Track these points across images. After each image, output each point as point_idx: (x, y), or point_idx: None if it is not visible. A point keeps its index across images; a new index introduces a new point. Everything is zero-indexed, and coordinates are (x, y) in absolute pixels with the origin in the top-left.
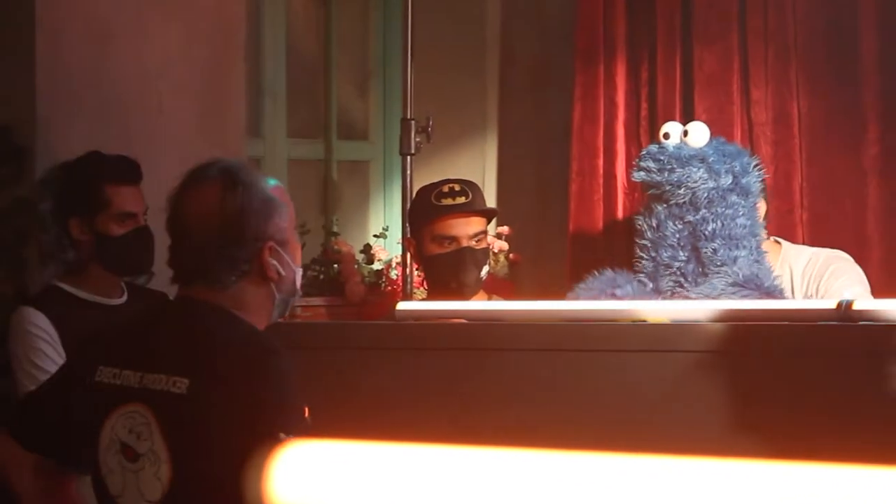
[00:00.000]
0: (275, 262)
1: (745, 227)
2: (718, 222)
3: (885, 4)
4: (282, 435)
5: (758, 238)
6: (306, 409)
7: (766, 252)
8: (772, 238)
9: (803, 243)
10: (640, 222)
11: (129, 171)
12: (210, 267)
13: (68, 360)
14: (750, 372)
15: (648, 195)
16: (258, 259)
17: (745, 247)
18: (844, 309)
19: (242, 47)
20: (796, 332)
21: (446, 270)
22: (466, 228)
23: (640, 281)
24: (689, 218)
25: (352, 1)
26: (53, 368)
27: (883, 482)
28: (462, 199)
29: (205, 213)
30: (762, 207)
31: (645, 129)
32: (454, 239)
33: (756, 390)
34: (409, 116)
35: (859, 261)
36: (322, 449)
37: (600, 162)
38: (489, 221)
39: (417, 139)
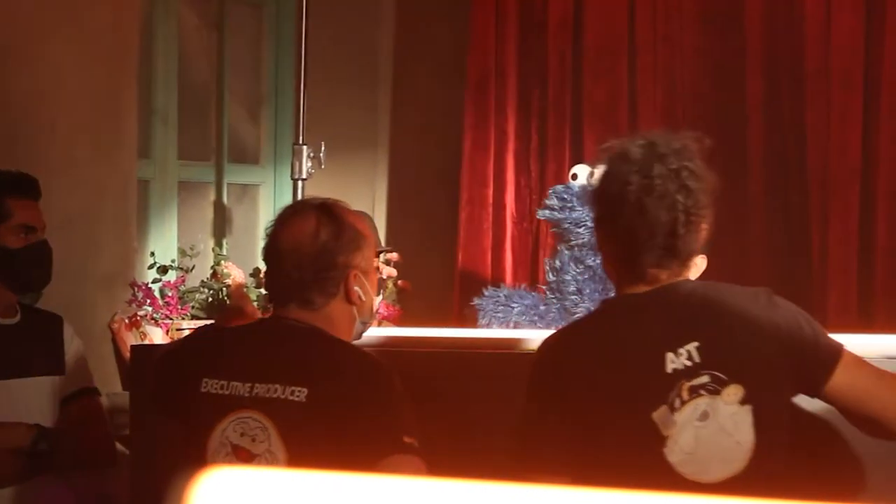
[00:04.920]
0: (358, 289)
1: None
2: None
3: (771, 48)
4: (406, 438)
5: None
6: None
7: None
8: None
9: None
10: (546, 265)
11: (29, 186)
12: (304, 290)
13: (161, 377)
14: None
15: (554, 235)
16: (345, 284)
17: None
18: None
19: (135, 69)
20: None
21: None
22: None
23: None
24: (590, 262)
25: (244, 26)
26: None
27: None
28: None
29: (301, 243)
30: (701, 265)
31: (535, 160)
32: None
33: None
34: (300, 142)
35: None
36: (236, 475)
37: (490, 191)
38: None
39: (309, 164)
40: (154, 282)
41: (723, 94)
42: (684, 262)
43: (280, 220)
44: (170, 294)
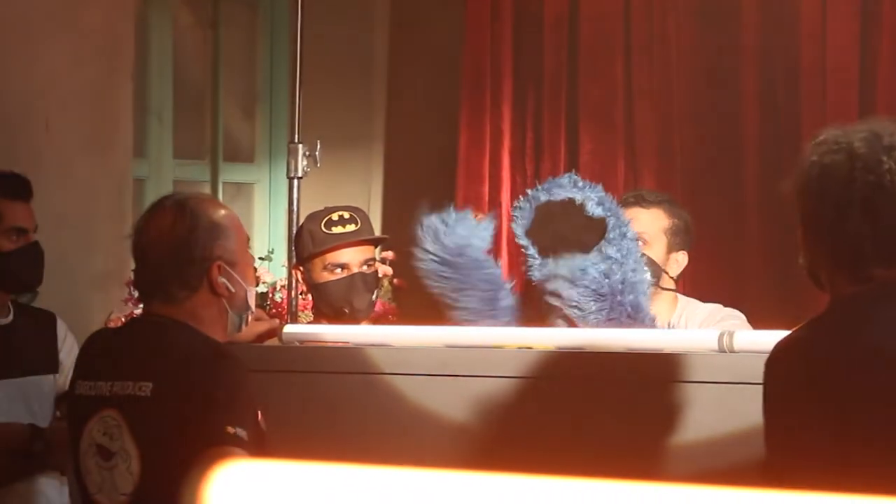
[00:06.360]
0: (224, 280)
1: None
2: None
3: (767, 46)
4: (230, 429)
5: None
6: (259, 414)
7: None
8: (670, 292)
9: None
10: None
11: (20, 187)
12: (165, 284)
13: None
14: (631, 399)
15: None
16: (208, 277)
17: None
18: (726, 340)
19: (130, 67)
20: (678, 361)
21: (339, 296)
22: (357, 255)
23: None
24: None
25: (239, 24)
26: None
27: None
28: (352, 227)
29: (159, 237)
30: (682, 260)
31: (530, 158)
32: (345, 266)
33: (638, 417)
34: (296, 140)
35: (736, 292)
36: (259, 468)
37: (486, 189)
38: (378, 247)
39: (304, 163)
40: None
41: (718, 91)
42: None
43: (142, 218)
44: None
